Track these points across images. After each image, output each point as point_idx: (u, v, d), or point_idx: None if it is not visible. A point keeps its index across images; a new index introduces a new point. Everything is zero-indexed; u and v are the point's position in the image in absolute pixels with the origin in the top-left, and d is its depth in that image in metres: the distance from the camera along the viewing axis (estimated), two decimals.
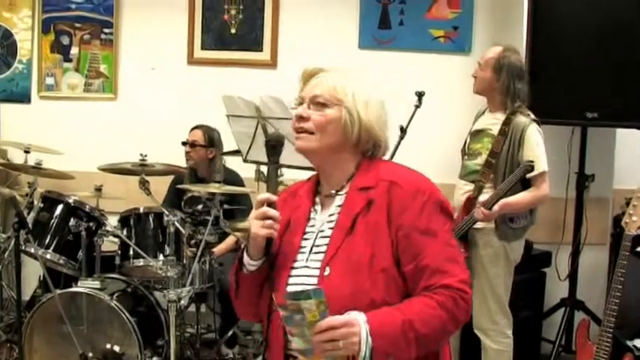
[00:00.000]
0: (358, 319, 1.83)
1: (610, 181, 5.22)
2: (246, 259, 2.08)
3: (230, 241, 4.75)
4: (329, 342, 1.82)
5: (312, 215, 2.12)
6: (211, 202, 4.34)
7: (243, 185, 4.77)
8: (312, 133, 2.03)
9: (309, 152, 2.07)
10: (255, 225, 2.00)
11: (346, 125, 2.01)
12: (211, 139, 4.95)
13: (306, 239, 2.08)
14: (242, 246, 2.13)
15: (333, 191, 2.09)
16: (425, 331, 1.87)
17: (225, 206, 4.25)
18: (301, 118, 2.04)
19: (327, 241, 2.03)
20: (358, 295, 1.90)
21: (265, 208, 2.00)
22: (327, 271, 1.96)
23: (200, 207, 4.51)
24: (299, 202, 2.16)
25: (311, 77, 2.12)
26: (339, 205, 2.06)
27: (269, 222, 1.99)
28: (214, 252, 4.57)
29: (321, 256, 2.01)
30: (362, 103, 2.03)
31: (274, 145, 2.12)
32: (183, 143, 4.93)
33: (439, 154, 5.11)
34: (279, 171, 2.21)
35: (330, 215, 2.07)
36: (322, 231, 2.06)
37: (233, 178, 4.76)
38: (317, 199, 2.15)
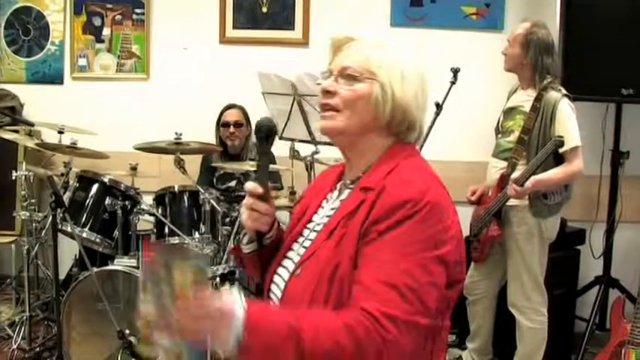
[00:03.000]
0: (234, 308, 1.54)
1: None
2: (243, 239, 2.00)
3: None
4: (191, 319, 1.51)
5: (323, 204, 1.95)
6: (245, 179, 4.36)
7: (274, 161, 4.78)
8: (338, 110, 1.80)
9: (333, 133, 1.83)
10: (244, 215, 1.88)
11: (378, 102, 1.76)
12: (247, 116, 4.98)
13: (307, 229, 1.92)
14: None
15: (348, 181, 1.90)
16: (313, 350, 1.53)
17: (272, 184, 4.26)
18: (327, 93, 1.81)
19: (314, 237, 1.86)
20: (312, 303, 1.69)
21: (251, 201, 1.85)
22: (298, 272, 1.80)
23: (233, 183, 4.52)
24: (323, 187, 2.00)
25: (341, 46, 1.86)
26: (342, 200, 1.87)
27: (254, 214, 1.85)
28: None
29: (303, 252, 1.85)
30: (397, 78, 1.77)
31: (265, 136, 1.93)
32: (225, 124, 4.94)
33: (472, 132, 5.09)
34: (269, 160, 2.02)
35: (332, 209, 1.88)
36: (319, 224, 1.88)
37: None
38: (337, 187, 1.95)
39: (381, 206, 1.67)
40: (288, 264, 1.87)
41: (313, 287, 1.71)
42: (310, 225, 1.92)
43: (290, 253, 1.90)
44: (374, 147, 1.83)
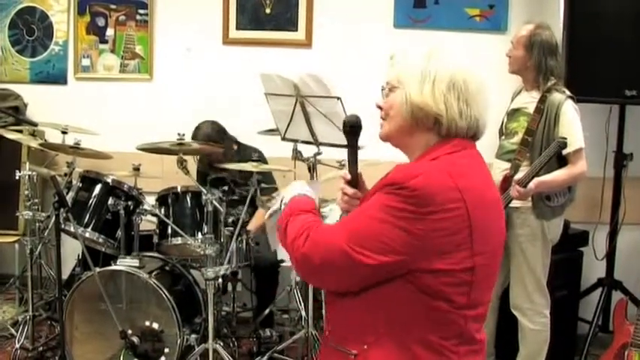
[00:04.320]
0: (290, 193, 2.13)
1: None
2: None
3: (260, 216, 4.76)
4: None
5: None
6: (235, 185, 4.40)
7: (264, 159, 4.79)
8: (385, 120, 2.04)
9: (383, 139, 2.07)
10: (338, 197, 2.18)
11: (401, 105, 1.96)
12: (217, 132, 4.95)
13: None
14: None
15: None
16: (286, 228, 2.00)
17: (263, 185, 4.26)
18: (379, 108, 2.07)
19: None
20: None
21: (342, 185, 2.15)
22: None
23: (225, 188, 4.52)
24: None
25: (391, 59, 2.07)
26: None
27: (345, 197, 2.14)
28: (250, 230, 4.59)
29: None
30: (416, 82, 1.94)
31: (351, 130, 2.13)
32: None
33: None
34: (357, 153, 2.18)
35: None
36: None
37: (248, 156, 4.75)
38: None
39: (375, 185, 1.92)
40: None
41: None
42: None
43: None
44: (418, 143, 1.99)
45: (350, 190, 2.13)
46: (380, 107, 2.06)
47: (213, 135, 4.87)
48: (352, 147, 2.15)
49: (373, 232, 1.82)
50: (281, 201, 2.11)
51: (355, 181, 2.14)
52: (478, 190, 1.90)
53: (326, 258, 1.85)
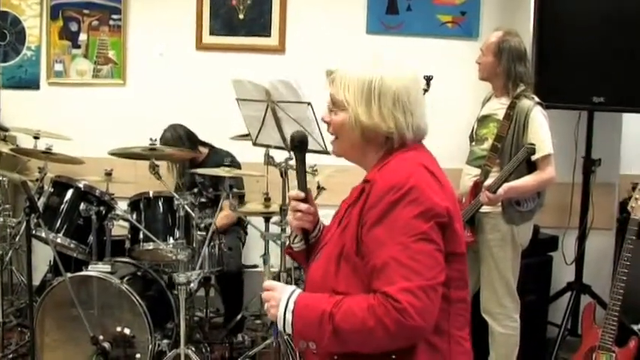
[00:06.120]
0: (286, 292, 1.97)
1: (616, 166, 5.24)
2: (293, 240, 2.28)
3: (226, 212, 4.73)
4: (266, 299, 2.01)
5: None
6: (204, 188, 4.42)
7: (237, 164, 4.84)
8: (336, 137, 2.08)
9: (338, 155, 2.12)
10: (289, 216, 2.21)
11: (349, 128, 2.01)
12: (182, 138, 4.98)
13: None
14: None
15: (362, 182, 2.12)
16: (344, 328, 1.83)
17: (235, 190, 4.27)
18: (326, 123, 2.10)
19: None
20: (325, 283, 1.97)
21: (294, 203, 2.16)
22: (318, 257, 2.10)
23: (195, 191, 4.52)
24: (355, 190, 2.15)
25: (331, 77, 2.09)
26: None
27: (298, 214, 2.16)
28: (216, 225, 4.55)
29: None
30: (362, 103, 1.98)
31: (298, 146, 2.19)
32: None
33: (446, 139, 5.05)
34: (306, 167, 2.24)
35: None
36: (339, 218, 2.11)
37: (219, 160, 4.76)
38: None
39: (373, 194, 1.90)
40: (317, 254, 2.16)
41: (325, 267, 1.99)
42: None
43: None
44: (371, 158, 2.06)
45: (303, 206, 2.17)
46: (326, 122, 2.09)
47: (172, 140, 4.89)
48: (302, 162, 2.20)
49: (423, 254, 1.83)
50: (285, 307, 1.94)
51: (307, 197, 2.18)
52: (445, 180, 2.01)
53: (422, 309, 1.80)
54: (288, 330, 1.93)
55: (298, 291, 1.97)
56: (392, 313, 1.77)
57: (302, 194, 2.16)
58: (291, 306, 1.92)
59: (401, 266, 1.80)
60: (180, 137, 4.88)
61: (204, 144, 5.14)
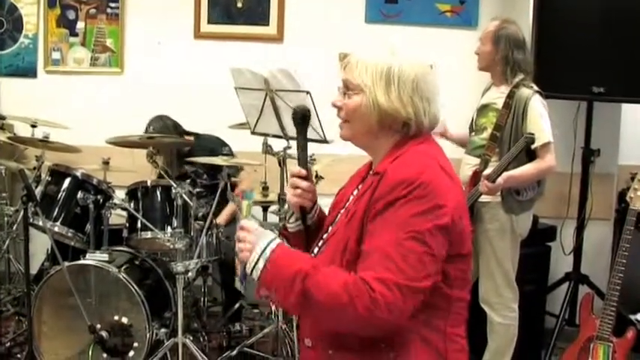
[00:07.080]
0: (265, 238, 1.92)
1: (615, 157, 5.24)
2: (289, 219, 2.25)
3: (230, 209, 4.76)
4: (240, 239, 1.95)
5: (354, 192, 2.13)
6: (198, 176, 4.41)
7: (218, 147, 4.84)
8: (347, 121, 2.03)
9: (346, 140, 2.07)
10: (288, 192, 2.19)
11: (366, 112, 1.97)
12: (170, 129, 4.91)
13: (339, 214, 2.13)
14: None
15: (371, 172, 2.08)
16: (314, 293, 1.80)
17: (233, 179, 4.26)
18: (337, 107, 2.05)
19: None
20: None
21: (294, 179, 2.16)
22: (323, 249, 2.08)
23: (189, 182, 4.52)
24: (357, 178, 2.20)
25: (344, 60, 2.06)
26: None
27: (298, 191, 2.15)
28: (219, 222, 4.58)
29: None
30: (382, 87, 1.95)
31: (301, 119, 2.18)
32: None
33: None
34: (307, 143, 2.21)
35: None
36: (347, 209, 2.08)
37: (207, 144, 4.73)
38: (366, 177, 2.15)
39: (382, 186, 1.88)
40: (322, 244, 2.12)
41: (329, 260, 1.94)
42: (342, 211, 2.12)
43: (325, 236, 2.14)
44: (384, 144, 2.02)
45: (304, 184, 2.16)
46: (337, 106, 2.05)
47: (161, 130, 4.81)
48: (304, 136, 2.19)
49: (413, 253, 1.80)
50: (260, 253, 1.89)
51: (308, 174, 2.17)
52: (455, 175, 1.99)
53: (393, 304, 1.77)
54: (255, 276, 1.89)
55: (278, 240, 1.93)
56: (364, 298, 1.75)
57: (304, 171, 2.15)
58: (267, 254, 1.88)
59: (386, 258, 1.79)
60: (168, 127, 4.84)
61: (189, 133, 5.09)
